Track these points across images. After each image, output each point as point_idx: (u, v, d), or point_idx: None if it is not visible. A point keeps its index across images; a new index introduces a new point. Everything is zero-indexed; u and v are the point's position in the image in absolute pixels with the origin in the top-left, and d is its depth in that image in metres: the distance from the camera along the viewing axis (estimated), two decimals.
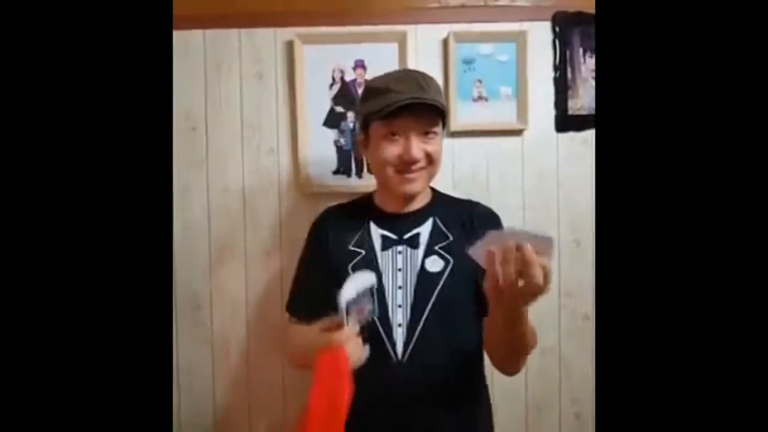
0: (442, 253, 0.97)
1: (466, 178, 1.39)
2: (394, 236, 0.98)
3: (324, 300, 0.88)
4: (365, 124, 0.98)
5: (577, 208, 1.40)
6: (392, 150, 0.93)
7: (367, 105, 0.95)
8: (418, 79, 0.94)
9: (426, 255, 0.97)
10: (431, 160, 0.95)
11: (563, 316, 1.41)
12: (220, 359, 1.37)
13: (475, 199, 1.38)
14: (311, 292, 1.00)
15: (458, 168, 1.39)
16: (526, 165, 1.40)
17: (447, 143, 1.38)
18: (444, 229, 1.00)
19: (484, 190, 1.39)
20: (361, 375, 0.80)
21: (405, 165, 0.93)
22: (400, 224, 1.00)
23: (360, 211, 1.04)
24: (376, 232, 0.99)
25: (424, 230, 0.99)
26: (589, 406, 1.39)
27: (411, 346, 0.92)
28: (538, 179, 1.40)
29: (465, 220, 1.02)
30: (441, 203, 1.05)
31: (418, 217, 1.01)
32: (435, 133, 0.95)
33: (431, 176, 0.99)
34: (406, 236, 0.98)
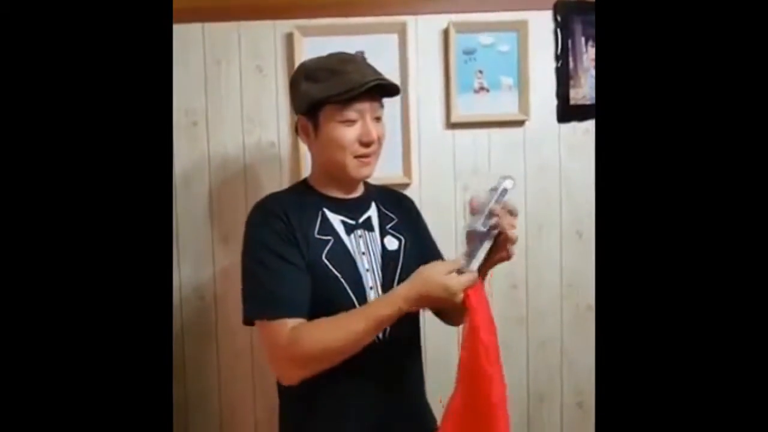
0: (394, 232, 1.01)
1: (467, 169, 1.39)
2: (351, 221, 0.98)
3: (308, 294, 0.89)
4: (313, 108, 0.92)
5: (579, 199, 1.40)
6: (351, 133, 0.91)
7: (322, 87, 0.90)
8: (364, 60, 0.94)
9: (382, 236, 0.99)
10: (380, 144, 0.96)
11: (566, 307, 1.42)
12: (224, 351, 1.38)
13: (476, 191, 1.39)
14: (298, 285, 0.89)
15: (459, 159, 1.39)
16: (528, 156, 1.39)
17: (448, 134, 1.38)
18: (386, 211, 1.03)
19: (486, 182, 1.38)
20: (354, 360, 0.83)
21: (364, 147, 0.92)
22: (351, 209, 0.99)
23: (306, 198, 0.98)
24: (335, 218, 0.97)
25: (373, 213, 1.02)
26: (591, 396, 1.40)
27: (389, 327, 0.92)
28: (540, 170, 1.40)
29: (395, 203, 1.08)
30: (373, 189, 1.07)
31: (363, 202, 1.02)
32: (381, 117, 0.96)
33: (377, 159, 0.98)
34: (361, 220, 0.99)
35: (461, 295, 0.82)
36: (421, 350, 1.06)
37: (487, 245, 0.85)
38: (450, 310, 0.98)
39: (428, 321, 1.05)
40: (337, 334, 0.84)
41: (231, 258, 1.36)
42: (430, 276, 0.83)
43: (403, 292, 0.84)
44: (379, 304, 0.85)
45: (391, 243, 0.99)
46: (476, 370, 0.82)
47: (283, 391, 1.00)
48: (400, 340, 0.96)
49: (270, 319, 0.87)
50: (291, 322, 0.86)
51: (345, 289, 0.91)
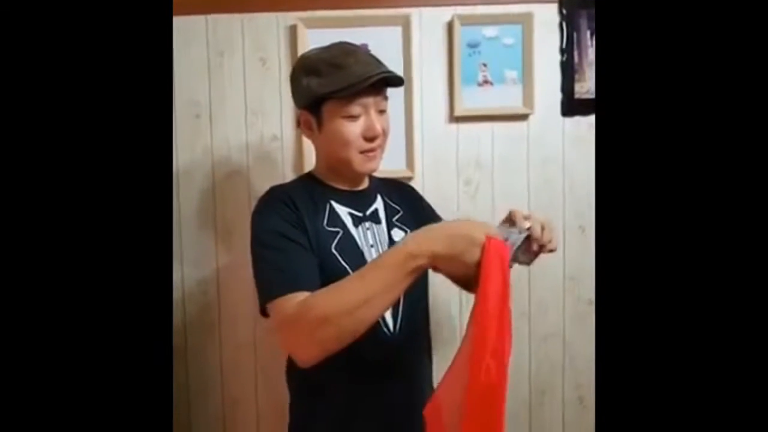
0: (400, 224, 1.00)
1: (470, 163, 1.39)
2: (359, 213, 0.97)
3: (317, 272, 0.87)
4: (316, 103, 0.91)
5: (582, 194, 1.39)
6: (355, 128, 0.90)
7: (324, 82, 0.89)
8: (367, 51, 0.93)
9: (389, 228, 0.99)
10: (385, 137, 0.95)
11: (567, 301, 1.42)
12: (227, 344, 1.39)
13: (479, 184, 1.39)
14: (306, 263, 0.87)
15: (462, 153, 1.39)
16: (531, 150, 1.39)
17: (452, 128, 1.38)
18: (392, 203, 1.03)
19: (489, 175, 1.39)
20: (360, 349, 0.81)
21: (369, 142, 0.91)
22: (358, 202, 0.99)
23: (313, 190, 0.97)
24: (342, 210, 0.96)
25: (379, 206, 1.01)
26: (592, 391, 1.40)
27: (399, 318, 0.94)
28: (543, 164, 1.39)
29: (401, 194, 1.07)
30: (377, 181, 1.06)
31: (370, 195, 1.01)
32: (386, 109, 0.95)
33: (383, 152, 0.97)
34: (368, 212, 0.99)
35: (482, 237, 0.72)
36: (431, 350, 1.06)
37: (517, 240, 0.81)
38: (468, 272, 0.78)
39: (436, 325, 1.05)
40: (352, 291, 0.75)
41: (234, 251, 1.37)
42: (453, 221, 0.78)
43: (419, 233, 0.76)
44: (392, 251, 0.76)
45: (398, 235, 0.98)
46: (478, 322, 0.72)
47: (292, 386, 0.99)
48: (409, 338, 0.95)
49: (278, 297, 0.81)
50: (301, 295, 0.80)
51: None
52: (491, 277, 0.72)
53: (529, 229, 0.80)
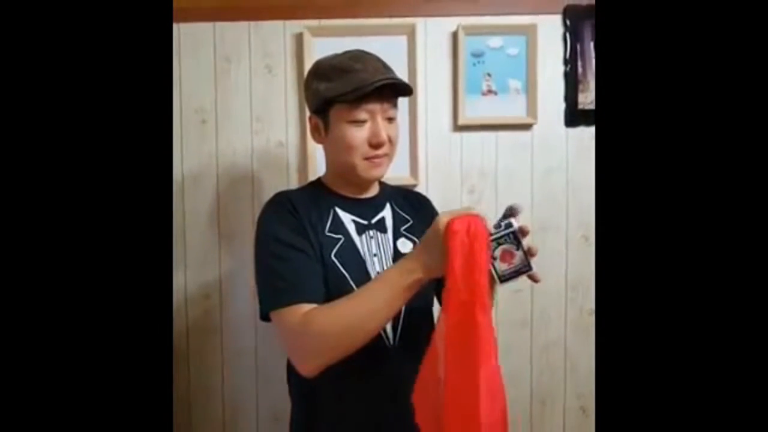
0: (408, 234, 0.99)
1: (473, 172, 1.39)
2: (363, 221, 0.96)
3: (321, 281, 0.88)
4: (324, 107, 0.92)
5: (585, 203, 1.39)
6: (360, 134, 0.89)
7: (331, 86, 0.89)
8: (378, 58, 0.93)
9: (395, 238, 0.98)
10: (392, 145, 0.94)
11: (570, 311, 1.42)
12: (229, 348, 1.40)
13: (483, 193, 1.40)
14: (310, 272, 0.88)
15: (466, 162, 1.39)
16: (535, 160, 1.40)
17: (455, 137, 1.39)
18: (402, 212, 1.02)
19: (492, 185, 1.39)
20: (359, 361, 0.81)
21: (374, 149, 0.91)
22: (364, 209, 0.97)
23: (318, 196, 0.97)
24: (346, 217, 0.95)
25: (387, 214, 1.00)
26: (593, 400, 1.40)
27: (399, 329, 0.93)
28: (547, 174, 1.40)
29: (413, 204, 1.06)
30: (389, 189, 1.06)
31: (378, 203, 1.00)
32: (394, 117, 0.94)
33: (391, 160, 0.97)
34: (374, 221, 0.98)
35: (444, 222, 0.74)
36: None
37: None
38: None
39: None
40: (352, 308, 0.80)
41: (237, 256, 1.38)
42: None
43: (415, 248, 0.81)
44: (391, 268, 0.81)
45: (405, 245, 0.97)
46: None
47: (292, 392, 0.99)
48: (409, 349, 0.93)
49: (283, 306, 0.84)
50: (305, 307, 0.83)
51: (352, 289, 0.89)
52: (455, 252, 0.72)
53: (512, 216, 0.76)
